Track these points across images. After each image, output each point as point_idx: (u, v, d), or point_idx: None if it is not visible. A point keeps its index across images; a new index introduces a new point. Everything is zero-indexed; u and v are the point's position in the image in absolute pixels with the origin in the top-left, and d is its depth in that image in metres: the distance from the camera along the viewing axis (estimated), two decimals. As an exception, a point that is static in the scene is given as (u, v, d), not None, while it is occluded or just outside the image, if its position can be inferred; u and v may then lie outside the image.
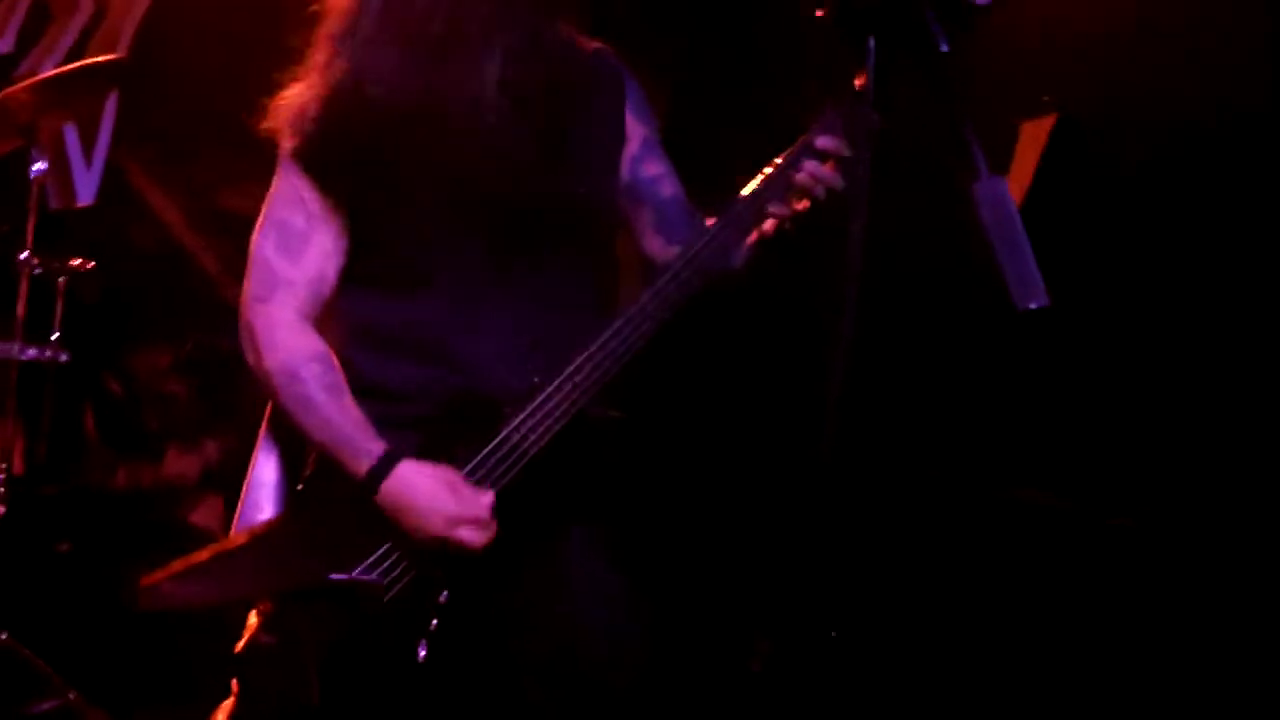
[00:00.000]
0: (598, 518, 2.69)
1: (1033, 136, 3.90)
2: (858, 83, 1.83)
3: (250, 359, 2.62)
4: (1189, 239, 3.54)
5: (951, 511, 3.94)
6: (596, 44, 2.78)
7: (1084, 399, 3.74)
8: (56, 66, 4.79)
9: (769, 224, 2.60)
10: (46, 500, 4.76)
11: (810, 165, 2.54)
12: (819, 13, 1.88)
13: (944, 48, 1.76)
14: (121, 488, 5.07)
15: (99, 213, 5.04)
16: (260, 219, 2.66)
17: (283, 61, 2.70)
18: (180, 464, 5.10)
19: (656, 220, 2.80)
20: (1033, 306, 1.70)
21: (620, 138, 2.77)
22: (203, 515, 4.92)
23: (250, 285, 2.62)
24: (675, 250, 2.65)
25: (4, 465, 3.84)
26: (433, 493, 2.50)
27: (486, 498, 2.52)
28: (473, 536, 2.50)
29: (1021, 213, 3.67)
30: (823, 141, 2.53)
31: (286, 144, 2.63)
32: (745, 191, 2.59)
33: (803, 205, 2.57)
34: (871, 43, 1.81)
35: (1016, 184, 3.90)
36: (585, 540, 2.66)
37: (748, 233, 2.59)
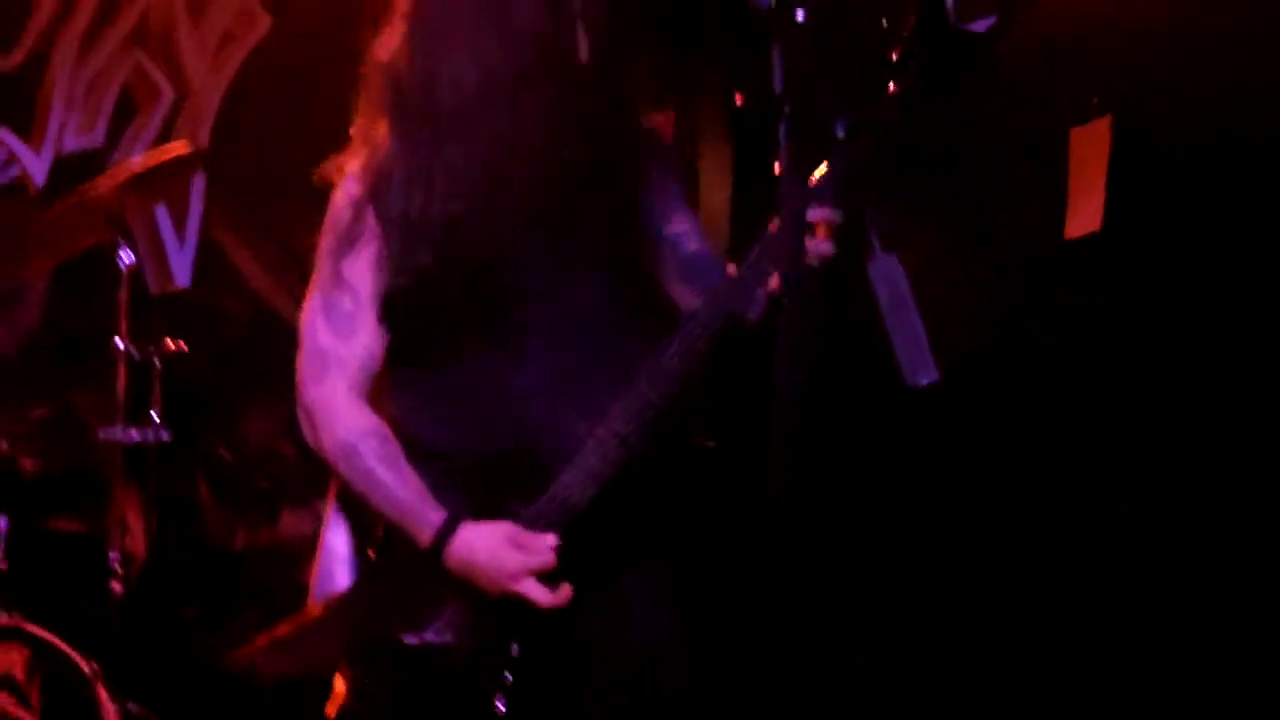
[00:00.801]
0: (659, 558, 2.77)
1: (1087, 142, 3.88)
2: (777, 167, 1.89)
3: (309, 438, 2.74)
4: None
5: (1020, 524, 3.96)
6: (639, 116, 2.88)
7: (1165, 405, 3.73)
8: (143, 156, 4.99)
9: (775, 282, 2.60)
10: (170, 569, 4.94)
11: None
12: (738, 98, 1.95)
13: (839, 133, 1.81)
14: (240, 550, 5.24)
15: (195, 290, 5.21)
16: (308, 301, 2.79)
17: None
18: (295, 523, 5.27)
19: (683, 273, 2.85)
20: (924, 383, 1.73)
21: (647, 181, 2.82)
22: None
23: (303, 367, 2.75)
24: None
25: (119, 543, 3.99)
26: (494, 550, 2.60)
27: (549, 541, 2.60)
28: (539, 595, 2.60)
29: (1105, 222, 3.69)
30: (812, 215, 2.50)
31: (328, 240, 2.77)
32: (761, 239, 2.61)
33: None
34: (781, 129, 1.85)
35: (1084, 194, 3.89)
36: (647, 582, 2.75)
37: (765, 279, 2.62)
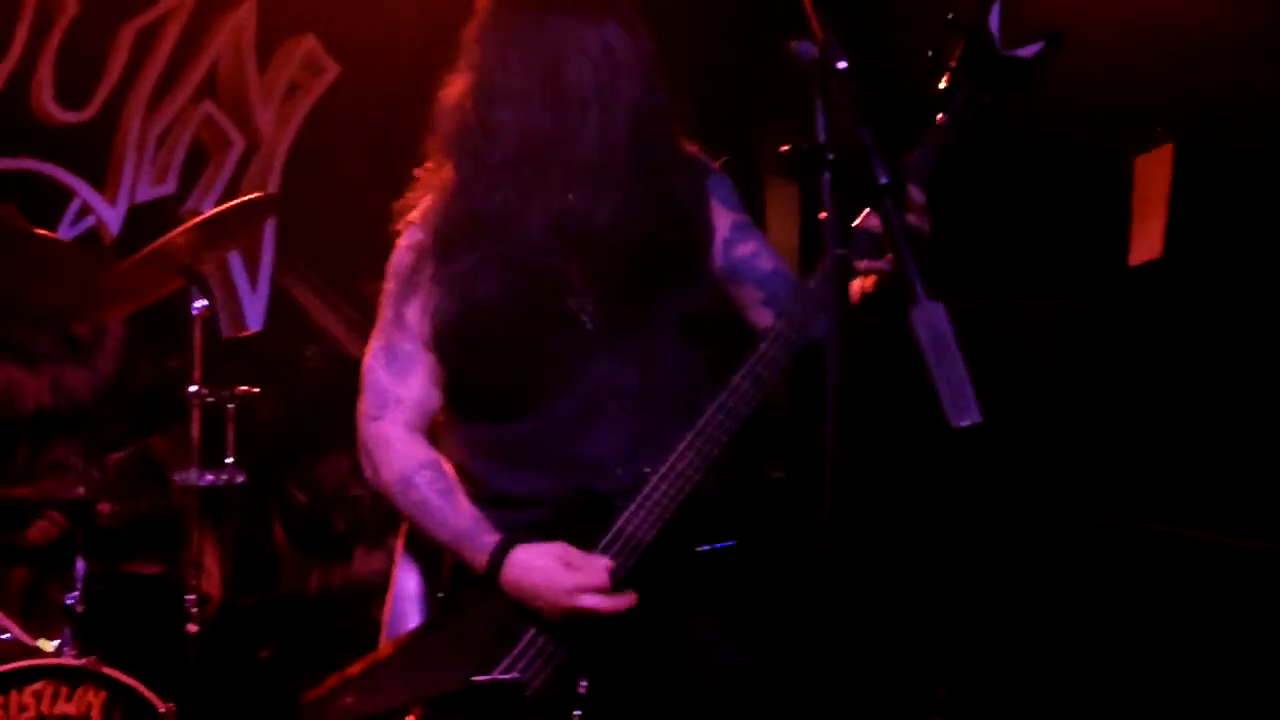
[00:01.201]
0: (729, 593, 2.77)
1: (1150, 169, 3.87)
2: (821, 216, 1.92)
3: (369, 474, 2.80)
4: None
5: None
6: (688, 145, 2.89)
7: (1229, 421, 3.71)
8: (215, 204, 5.08)
9: (854, 291, 2.64)
10: (245, 611, 5.01)
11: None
12: (783, 149, 1.98)
13: (883, 181, 1.83)
14: (315, 591, 5.30)
15: (268, 336, 5.29)
16: (370, 343, 2.85)
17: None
18: (368, 563, 5.33)
19: (761, 294, 2.87)
20: (965, 424, 1.75)
21: (708, 224, 2.85)
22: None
23: (364, 405, 2.81)
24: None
25: (195, 585, 4.05)
26: (549, 569, 2.62)
27: (602, 562, 2.62)
28: (597, 602, 2.61)
29: (1169, 245, 3.68)
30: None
31: (391, 284, 2.82)
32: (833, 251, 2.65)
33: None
34: (827, 178, 1.87)
35: (1147, 221, 3.88)
36: (712, 623, 2.75)
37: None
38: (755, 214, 3.06)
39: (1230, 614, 3.59)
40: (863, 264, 2.56)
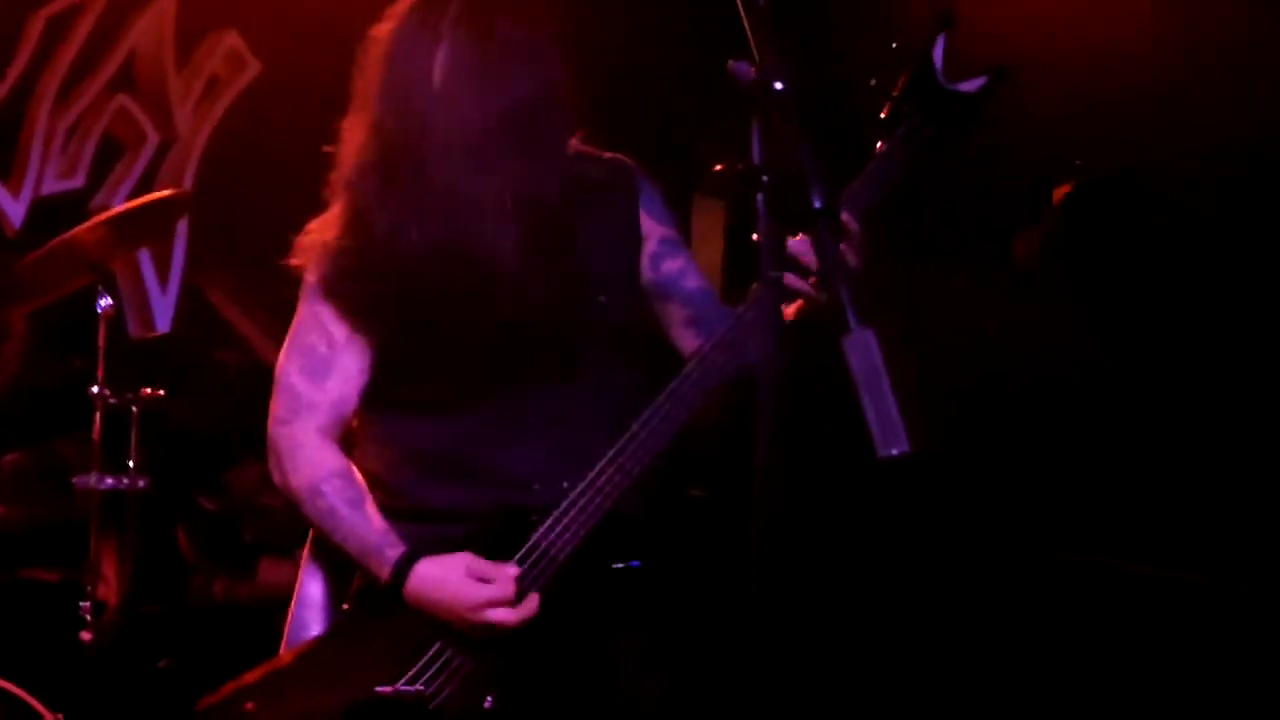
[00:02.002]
0: (644, 621, 2.71)
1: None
2: (754, 238, 1.89)
3: (277, 478, 2.74)
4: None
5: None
6: (608, 154, 2.84)
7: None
8: (126, 200, 4.96)
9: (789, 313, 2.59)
10: (146, 620, 4.87)
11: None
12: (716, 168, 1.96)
13: (817, 204, 1.81)
14: (220, 601, 5.16)
15: (177, 338, 5.16)
16: (285, 344, 2.77)
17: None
18: (276, 574, 5.20)
19: (686, 313, 2.83)
20: (894, 454, 1.75)
21: (636, 240, 2.81)
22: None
23: (275, 408, 2.74)
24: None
25: (92, 592, 3.92)
26: (454, 581, 2.56)
27: (510, 571, 2.55)
28: (503, 616, 2.55)
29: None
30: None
31: (310, 277, 2.74)
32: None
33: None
34: (761, 199, 1.87)
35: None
36: (630, 645, 2.68)
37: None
38: (683, 231, 3.01)
39: (1158, 645, 3.59)
40: (792, 281, 2.52)
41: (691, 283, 2.83)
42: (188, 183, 5.11)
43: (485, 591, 2.54)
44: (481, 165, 2.61)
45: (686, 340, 2.82)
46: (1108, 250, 3.82)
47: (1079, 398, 3.85)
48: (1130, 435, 3.76)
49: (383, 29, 2.74)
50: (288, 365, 2.74)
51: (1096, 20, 3.94)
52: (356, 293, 2.68)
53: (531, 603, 2.56)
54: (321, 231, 2.74)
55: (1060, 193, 3.86)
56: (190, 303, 5.18)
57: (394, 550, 2.60)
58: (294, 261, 2.77)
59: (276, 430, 2.72)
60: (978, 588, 4.00)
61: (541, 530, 2.57)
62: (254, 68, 5.22)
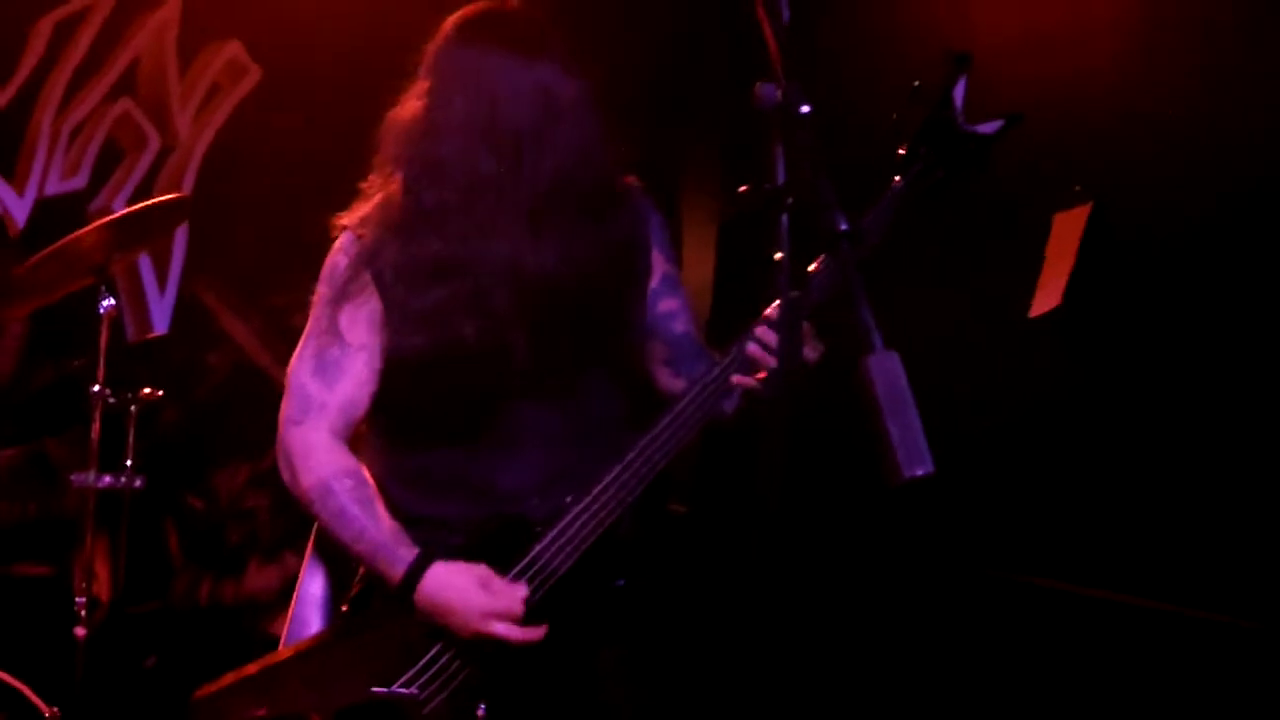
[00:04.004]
0: (631, 638, 2.78)
1: (1066, 227, 3.92)
2: (777, 256, 1.93)
3: (287, 478, 2.75)
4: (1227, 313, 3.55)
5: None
6: (628, 179, 2.89)
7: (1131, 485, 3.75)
8: (127, 203, 5.00)
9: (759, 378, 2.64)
10: (134, 618, 4.91)
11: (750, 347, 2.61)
12: (741, 189, 2.00)
13: (843, 226, 1.85)
14: (205, 603, 5.21)
15: (174, 340, 5.20)
16: (299, 347, 2.80)
17: (344, 181, 2.85)
18: (261, 577, 5.25)
19: (668, 354, 2.89)
20: (919, 474, 1.78)
21: (646, 274, 2.87)
22: (283, 626, 5.04)
23: (287, 409, 2.76)
24: (683, 383, 2.74)
25: (85, 588, 3.96)
26: (466, 588, 2.60)
27: (520, 592, 2.60)
28: (508, 630, 2.59)
29: (1066, 300, 3.72)
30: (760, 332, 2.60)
31: (324, 289, 2.79)
32: (741, 336, 2.64)
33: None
34: (785, 221, 1.88)
35: (1053, 273, 3.94)
36: (618, 661, 2.75)
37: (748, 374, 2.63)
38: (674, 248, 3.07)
39: (1124, 672, 3.64)
40: (741, 380, 2.61)
41: (679, 327, 2.90)
42: (187, 188, 5.15)
43: (496, 602, 2.58)
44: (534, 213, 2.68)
45: (661, 376, 2.90)
46: (1080, 273, 3.86)
47: (1049, 421, 3.90)
48: (1097, 457, 3.80)
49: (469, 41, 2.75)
50: (300, 367, 2.77)
51: (1061, 41, 3.98)
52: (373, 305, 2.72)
53: (538, 630, 2.60)
54: (343, 247, 2.79)
55: (1067, 219, 3.87)
56: (186, 306, 5.22)
57: (408, 550, 2.63)
58: (342, 221, 2.79)
59: (288, 431, 2.74)
60: (951, 610, 4.05)
61: (542, 544, 2.63)
62: (254, 76, 5.28)
